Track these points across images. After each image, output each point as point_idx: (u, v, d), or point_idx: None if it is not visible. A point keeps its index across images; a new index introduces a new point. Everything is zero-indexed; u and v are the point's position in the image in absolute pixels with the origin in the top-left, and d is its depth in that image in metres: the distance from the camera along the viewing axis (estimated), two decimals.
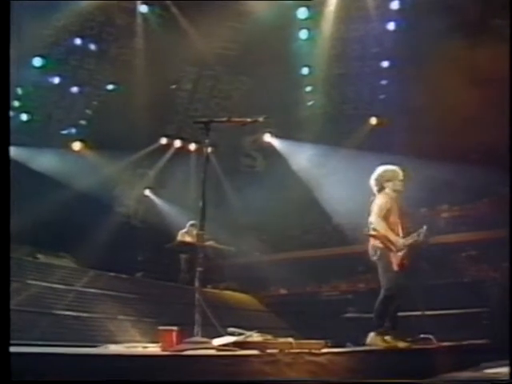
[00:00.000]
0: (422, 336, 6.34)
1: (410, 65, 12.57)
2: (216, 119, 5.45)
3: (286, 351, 4.12)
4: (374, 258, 6.04)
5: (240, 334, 4.75)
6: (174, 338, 4.21)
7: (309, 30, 13.53)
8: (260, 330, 4.93)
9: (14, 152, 9.76)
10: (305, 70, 14.22)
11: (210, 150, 5.51)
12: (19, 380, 2.64)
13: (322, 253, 13.08)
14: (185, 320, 4.88)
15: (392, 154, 8.84)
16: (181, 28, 12.88)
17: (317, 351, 4.38)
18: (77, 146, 13.95)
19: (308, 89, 14.66)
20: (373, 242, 6.04)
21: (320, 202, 13.79)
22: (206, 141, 5.22)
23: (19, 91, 12.37)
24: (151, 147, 15.05)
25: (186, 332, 4.44)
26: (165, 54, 12.75)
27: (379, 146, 12.01)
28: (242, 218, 14.72)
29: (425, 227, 5.85)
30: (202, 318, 4.67)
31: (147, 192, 15.77)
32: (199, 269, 4.95)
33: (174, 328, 4.25)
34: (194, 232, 9.99)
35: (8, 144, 3.01)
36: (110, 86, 13.91)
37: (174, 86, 14.74)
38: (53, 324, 5.94)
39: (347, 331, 7.88)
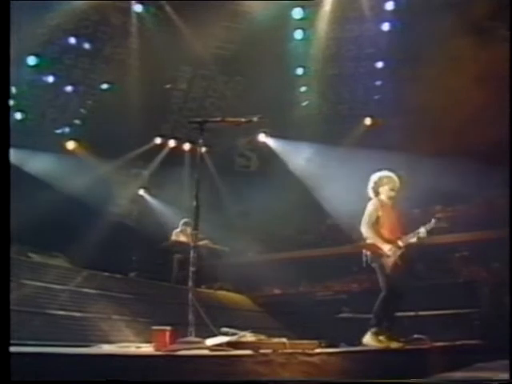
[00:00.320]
0: (415, 336, 6.38)
1: (405, 65, 12.57)
2: (211, 119, 5.47)
3: (280, 351, 4.13)
4: (365, 264, 6.17)
5: (233, 334, 4.75)
6: (168, 338, 4.21)
7: (304, 30, 13.52)
8: (253, 330, 4.94)
9: None
10: (300, 70, 14.20)
11: (204, 149, 5.54)
12: (19, 380, 2.64)
13: (317, 253, 13.04)
14: (178, 320, 4.88)
15: (387, 154, 8.86)
16: (176, 27, 12.84)
17: (310, 351, 4.39)
18: (71, 145, 13.93)
19: (303, 89, 14.65)
20: (363, 248, 6.20)
21: (315, 201, 13.79)
22: (201, 141, 5.24)
23: (13, 90, 12.30)
24: (145, 147, 15.01)
25: (179, 332, 4.45)
26: (159, 53, 12.71)
27: (374, 146, 12.04)
28: (236, 217, 14.72)
29: (422, 228, 5.95)
30: (195, 318, 4.68)
31: (141, 192, 15.77)
32: (192, 269, 4.95)
33: (168, 328, 4.25)
34: (188, 231, 9.98)
35: (8, 146, 3.00)
36: (105, 86, 13.84)
37: (168, 86, 14.69)
38: (46, 324, 5.91)
39: (341, 331, 7.87)
